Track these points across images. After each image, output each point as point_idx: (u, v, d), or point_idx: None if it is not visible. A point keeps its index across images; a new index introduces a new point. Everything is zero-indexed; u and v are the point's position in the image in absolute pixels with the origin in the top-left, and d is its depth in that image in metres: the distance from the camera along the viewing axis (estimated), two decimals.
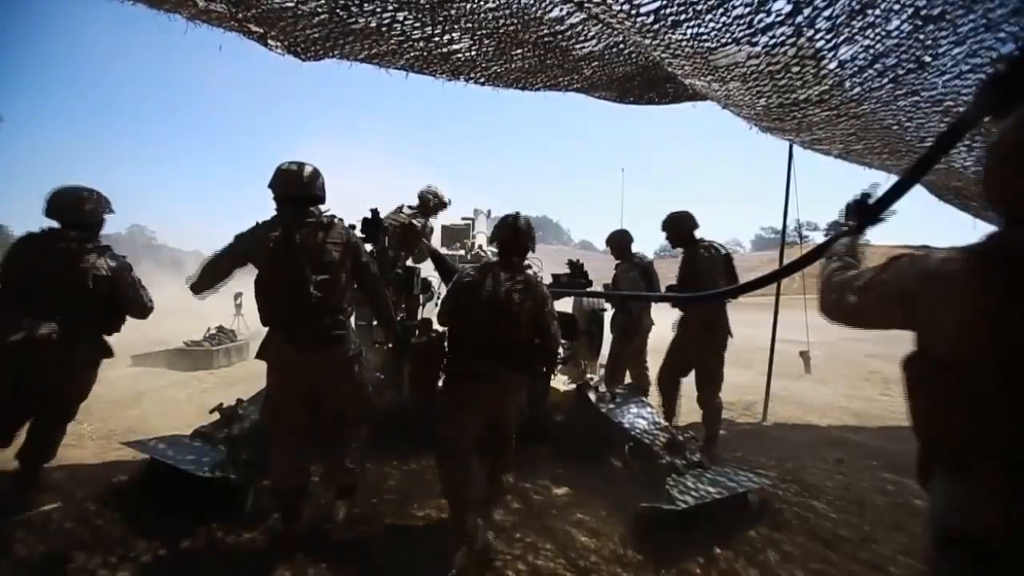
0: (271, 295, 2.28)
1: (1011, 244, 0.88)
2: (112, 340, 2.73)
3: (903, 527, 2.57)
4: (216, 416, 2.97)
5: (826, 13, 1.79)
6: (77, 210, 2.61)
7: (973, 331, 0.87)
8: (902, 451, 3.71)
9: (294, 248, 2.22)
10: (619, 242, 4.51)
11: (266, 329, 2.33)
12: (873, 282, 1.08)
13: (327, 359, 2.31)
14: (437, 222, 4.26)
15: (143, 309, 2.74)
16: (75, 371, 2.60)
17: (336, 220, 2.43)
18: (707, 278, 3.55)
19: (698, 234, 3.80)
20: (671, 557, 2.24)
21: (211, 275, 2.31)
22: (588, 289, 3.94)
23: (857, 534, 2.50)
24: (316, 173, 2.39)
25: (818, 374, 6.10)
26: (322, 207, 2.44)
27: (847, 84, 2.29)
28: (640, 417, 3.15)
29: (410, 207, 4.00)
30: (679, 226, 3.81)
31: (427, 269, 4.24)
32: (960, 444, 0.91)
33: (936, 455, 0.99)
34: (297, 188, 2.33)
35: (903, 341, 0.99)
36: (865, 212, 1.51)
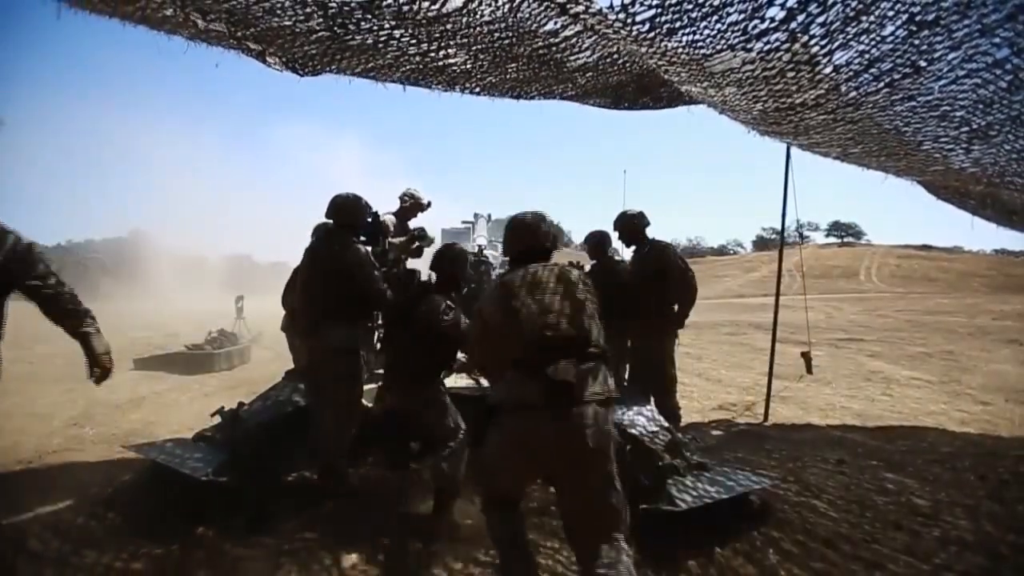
0: None
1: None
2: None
3: (904, 526, 2.57)
4: (218, 420, 2.98)
5: (820, 19, 1.80)
6: None
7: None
8: (903, 450, 3.72)
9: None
10: (596, 242, 4.22)
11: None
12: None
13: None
14: (437, 226, 4.29)
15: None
16: None
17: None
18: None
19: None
20: (671, 557, 2.25)
21: None
22: None
23: (858, 533, 2.50)
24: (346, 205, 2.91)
25: (820, 374, 6.09)
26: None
27: (843, 88, 2.31)
28: (640, 416, 3.15)
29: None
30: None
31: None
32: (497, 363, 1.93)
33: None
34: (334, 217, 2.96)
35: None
36: None
